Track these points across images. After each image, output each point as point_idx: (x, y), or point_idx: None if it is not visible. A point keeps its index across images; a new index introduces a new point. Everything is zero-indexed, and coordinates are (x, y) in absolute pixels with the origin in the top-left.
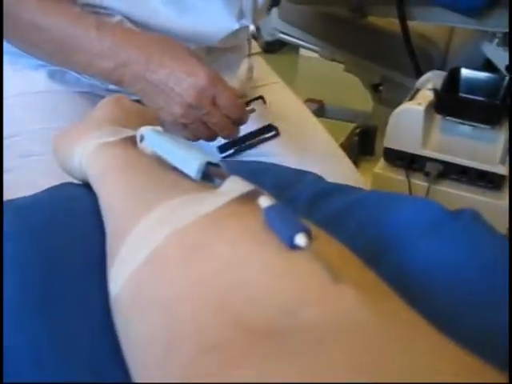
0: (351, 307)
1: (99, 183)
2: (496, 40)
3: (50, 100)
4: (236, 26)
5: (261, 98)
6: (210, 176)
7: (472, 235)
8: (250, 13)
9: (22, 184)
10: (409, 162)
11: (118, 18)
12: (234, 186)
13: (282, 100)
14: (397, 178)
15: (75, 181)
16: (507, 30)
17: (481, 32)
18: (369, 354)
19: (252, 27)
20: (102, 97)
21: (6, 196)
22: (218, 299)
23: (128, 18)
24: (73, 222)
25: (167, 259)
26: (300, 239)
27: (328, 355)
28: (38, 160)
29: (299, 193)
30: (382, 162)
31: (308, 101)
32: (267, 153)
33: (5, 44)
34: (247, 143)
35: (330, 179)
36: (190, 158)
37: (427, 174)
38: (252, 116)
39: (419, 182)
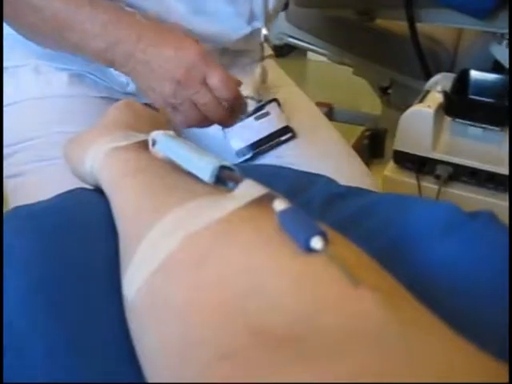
0: (370, 312)
1: (111, 188)
2: (505, 41)
3: (68, 104)
4: (247, 28)
5: (275, 100)
6: (223, 180)
7: (490, 236)
8: (262, 16)
9: (35, 188)
10: (419, 165)
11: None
12: (249, 189)
13: (295, 102)
14: (407, 181)
15: (88, 186)
16: None
17: (490, 33)
18: (388, 359)
19: (264, 30)
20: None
21: (19, 199)
22: (233, 305)
23: (145, 15)
24: (85, 228)
25: (181, 265)
26: (316, 242)
27: (347, 360)
28: (52, 164)
29: (313, 196)
30: (391, 165)
31: (317, 104)
32: (281, 154)
33: (25, 46)
34: (264, 146)
35: (343, 181)
36: (203, 162)
37: (437, 177)
38: (267, 119)
39: (429, 185)
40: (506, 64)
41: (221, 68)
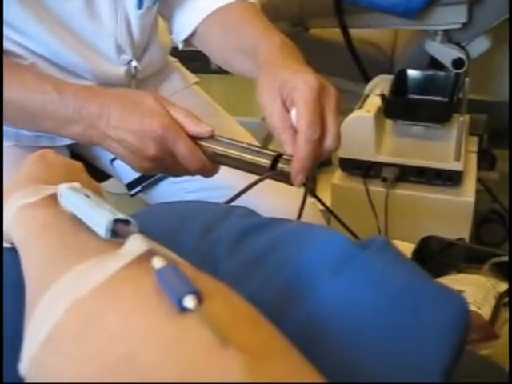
0: (236, 373)
1: (20, 249)
2: (438, 37)
3: None
4: (117, 62)
5: None
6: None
7: (379, 269)
8: (129, 48)
9: None
10: (365, 170)
11: (28, 61)
12: (132, 246)
13: (223, 130)
14: (355, 187)
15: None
16: (448, 27)
17: (423, 31)
18: None
19: (135, 63)
20: (28, 148)
21: None
22: (109, 374)
23: (36, 55)
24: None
25: (66, 335)
26: (189, 302)
27: None
28: None
29: (224, 232)
30: (339, 173)
31: (263, 119)
32: (209, 186)
33: None
34: (152, 179)
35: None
36: (99, 217)
37: (385, 180)
38: None
39: (377, 188)
40: (442, 60)
41: (185, 141)
